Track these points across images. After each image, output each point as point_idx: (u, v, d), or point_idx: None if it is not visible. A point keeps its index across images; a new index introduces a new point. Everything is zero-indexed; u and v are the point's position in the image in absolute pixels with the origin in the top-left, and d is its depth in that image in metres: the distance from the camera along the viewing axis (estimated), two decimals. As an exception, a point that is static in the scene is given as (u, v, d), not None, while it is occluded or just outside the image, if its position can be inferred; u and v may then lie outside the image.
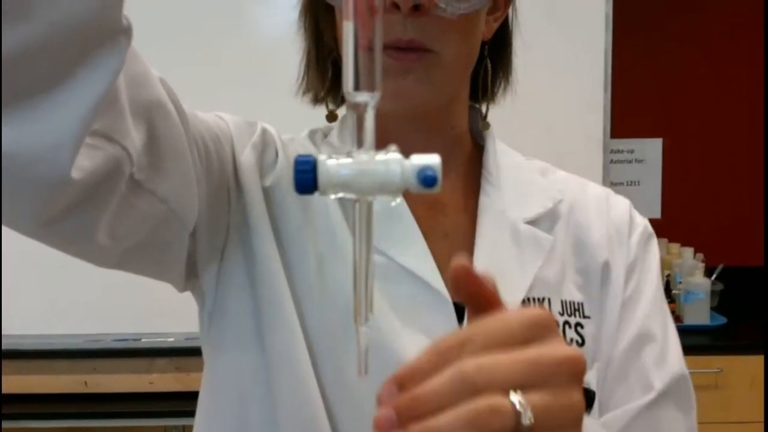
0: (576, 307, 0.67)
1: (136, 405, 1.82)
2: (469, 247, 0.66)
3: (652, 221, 0.73)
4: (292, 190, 0.64)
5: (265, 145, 0.66)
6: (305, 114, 0.75)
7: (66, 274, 1.66)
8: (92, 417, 1.80)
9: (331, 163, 0.33)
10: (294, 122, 0.73)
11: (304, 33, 0.71)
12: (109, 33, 0.41)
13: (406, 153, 0.67)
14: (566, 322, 0.65)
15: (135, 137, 0.48)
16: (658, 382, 0.64)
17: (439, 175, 0.33)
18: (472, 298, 0.38)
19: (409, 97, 0.61)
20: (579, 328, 0.66)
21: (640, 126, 2.45)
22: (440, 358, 0.35)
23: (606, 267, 0.68)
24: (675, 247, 2.34)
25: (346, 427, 0.61)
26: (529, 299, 0.65)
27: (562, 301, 0.66)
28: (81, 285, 1.72)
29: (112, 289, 1.66)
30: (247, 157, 0.63)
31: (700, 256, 2.31)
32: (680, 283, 2.18)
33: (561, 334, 0.64)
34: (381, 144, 0.66)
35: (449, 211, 0.68)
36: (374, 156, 0.33)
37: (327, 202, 0.64)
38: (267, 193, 0.64)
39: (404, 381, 0.35)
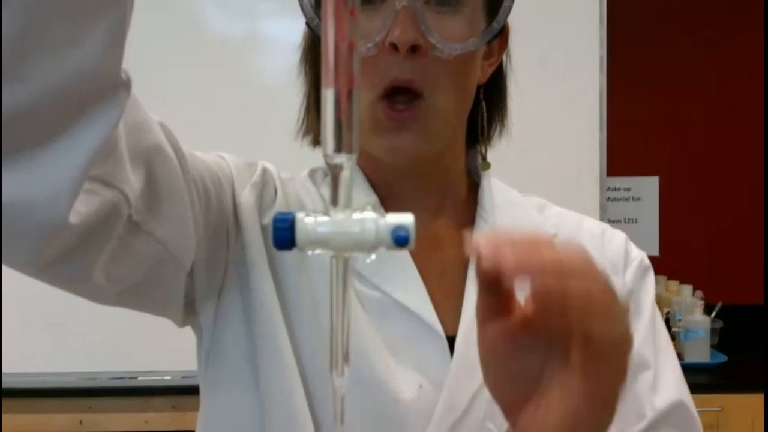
0: None
1: (132, 444, 1.81)
2: (463, 283, 0.66)
3: (651, 258, 0.74)
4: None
5: (264, 184, 0.67)
6: (306, 156, 0.77)
7: (62, 312, 1.66)
8: (87, 457, 1.78)
9: (309, 221, 0.34)
10: (295, 163, 0.74)
11: (304, 77, 0.72)
12: (108, 87, 0.42)
13: (401, 197, 0.69)
14: None
15: (133, 181, 0.49)
16: (650, 410, 0.64)
17: (412, 235, 0.33)
18: (492, 277, 0.41)
19: (406, 152, 0.63)
20: None
21: (636, 164, 2.47)
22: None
23: None
24: (674, 284, 2.33)
25: None
26: None
27: None
28: (77, 323, 1.72)
29: (108, 327, 1.66)
30: (246, 197, 0.64)
31: (700, 293, 2.30)
32: (680, 320, 2.17)
33: None
34: (377, 188, 0.67)
35: (445, 247, 0.69)
36: (350, 215, 0.34)
37: None
38: (265, 231, 0.65)
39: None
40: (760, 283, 2.35)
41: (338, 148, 0.34)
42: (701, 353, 2.13)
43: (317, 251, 0.34)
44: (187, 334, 0.69)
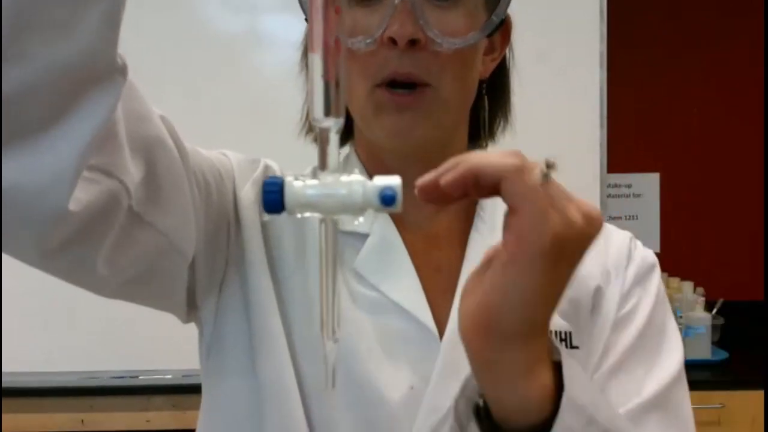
0: (563, 337, 0.66)
1: (133, 443, 1.80)
2: (458, 282, 0.66)
3: (651, 255, 0.73)
4: (288, 225, 0.66)
5: None
6: (308, 153, 0.77)
7: (62, 311, 1.67)
8: (88, 456, 1.78)
9: (298, 185, 0.34)
10: (297, 160, 0.74)
11: (306, 74, 0.73)
12: (104, 72, 0.43)
13: (403, 187, 0.68)
14: None
15: (133, 171, 0.49)
16: (636, 397, 0.62)
17: (399, 194, 0.34)
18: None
19: (407, 134, 0.63)
20: None
21: (636, 161, 2.47)
22: None
23: (598, 293, 0.67)
24: (675, 281, 2.33)
25: None
26: None
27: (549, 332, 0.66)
28: (77, 322, 1.72)
29: (108, 326, 1.66)
30: (246, 193, 0.65)
31: (701, 290, 2.30)
32: (681, 317, 2.16)
33: None
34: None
35: (443, 245, 0.69)
36: (338, 177, 0.34)
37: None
38: (265, 228, 0.65)
39: None
40: (761, 279, 2.35)
41: (327, 112, 0.34)
42: (702, 350, 2.13)
43: (306, 214, 0.35)
44: (188, 333, 0.69)
